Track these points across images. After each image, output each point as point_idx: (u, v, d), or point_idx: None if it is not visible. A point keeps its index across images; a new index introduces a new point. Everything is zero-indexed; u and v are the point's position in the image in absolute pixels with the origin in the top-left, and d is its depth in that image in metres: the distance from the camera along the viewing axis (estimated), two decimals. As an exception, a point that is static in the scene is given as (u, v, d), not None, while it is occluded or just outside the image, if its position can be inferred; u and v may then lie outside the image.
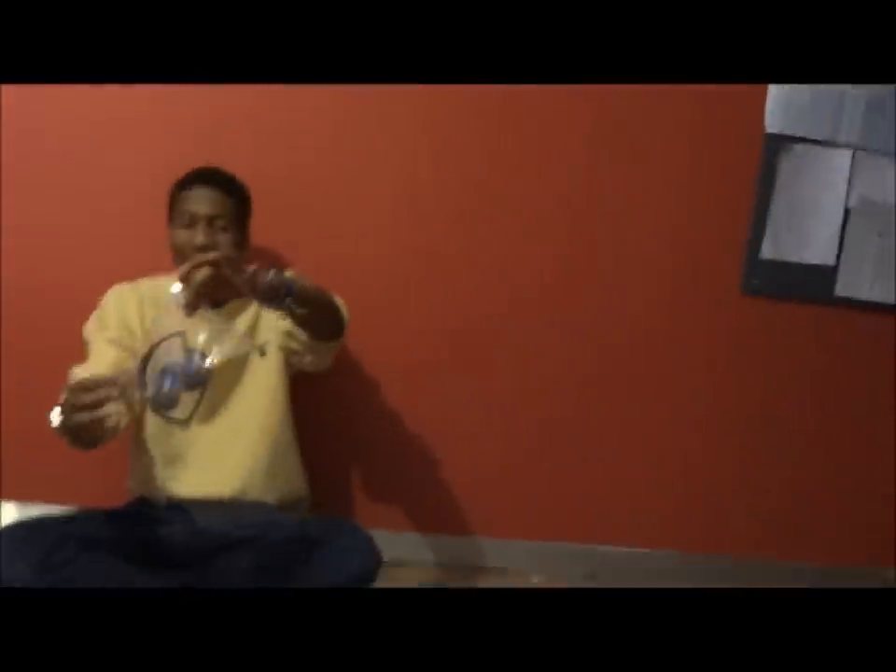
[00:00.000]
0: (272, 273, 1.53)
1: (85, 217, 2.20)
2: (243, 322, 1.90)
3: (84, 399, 1.41)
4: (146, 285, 1.94)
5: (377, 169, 2.26)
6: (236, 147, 2.17)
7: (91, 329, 1.87)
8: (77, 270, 2.19)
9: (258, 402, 1.91)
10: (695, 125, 2.34)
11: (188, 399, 1.85)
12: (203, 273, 1.42)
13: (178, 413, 1.85)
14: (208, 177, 1.88)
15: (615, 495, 2.43)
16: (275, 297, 1.55)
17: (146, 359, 1.79)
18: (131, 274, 1.95)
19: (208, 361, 1.48)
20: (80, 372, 1.75)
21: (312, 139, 2.23)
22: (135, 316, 1.87)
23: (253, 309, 1.92)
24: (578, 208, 2.34)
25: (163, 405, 1.50)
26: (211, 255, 1.44)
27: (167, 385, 1.47)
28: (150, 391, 1.45)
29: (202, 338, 1.47)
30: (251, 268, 1.51)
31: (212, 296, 1.47)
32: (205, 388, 1.86)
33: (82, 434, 1.46)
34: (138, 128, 2.17)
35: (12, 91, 2.09)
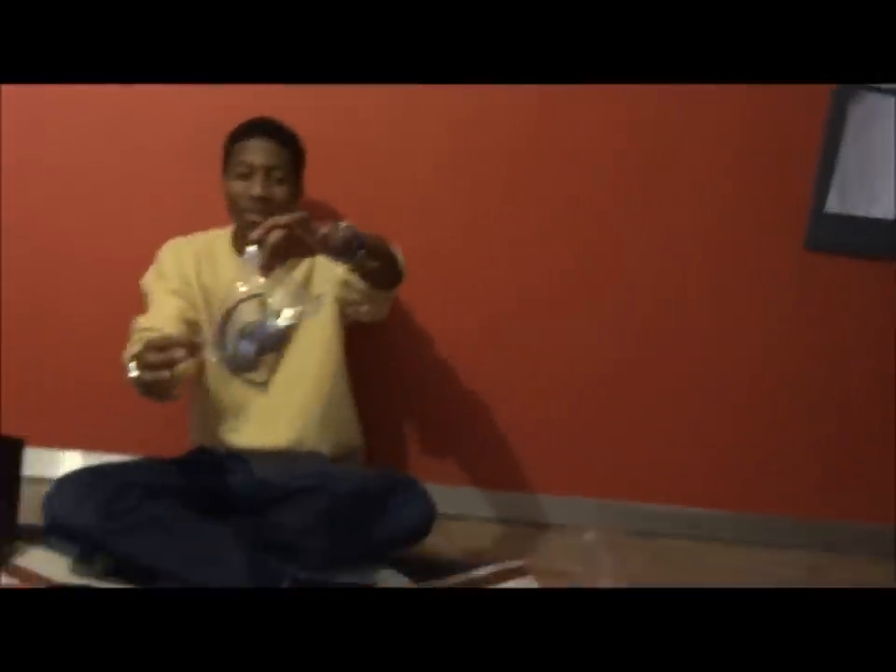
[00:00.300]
0: (343, 228, 1.51)
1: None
2: (298, 274, 1.90)
3: (155, 358, 1.44)
4: (200, 238, 1.96)
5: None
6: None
7: (149, 280, 1.90)
8: (119, 229, 2.22)
9: (312, 354, 1.92)
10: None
11: (267, 361, 1.87)
12: (276, 235, 1.40)
13: (258, 376, 1.88)
14: (265, 128, 1.88)
15: (672, 452, 2.41)
16: (348, 251, 1.53)
17: (224, 321, 1.81)
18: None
19: (285, 323, 1.47)
20: (144, 322, 1.78)
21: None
22: (192, 269, 1.89)
23: (307, 263, 1.93)
24: (638, 158, 2.30)
25: (242, 367, 1.51)
26: (284, 218, 1.42)
27: (245, 347, 1.48)
28: (229, 353, 1.45)
29: (278, 300, 1.46)
30: (323, 226, 1.49)
31: (285, 256, 1.45)
32: (282, 350, 1.88)
33: (152, 389, 1.49)
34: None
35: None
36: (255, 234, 1.41)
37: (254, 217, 1.80)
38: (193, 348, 1.47)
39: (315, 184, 2.07)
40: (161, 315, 1.81)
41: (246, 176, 1.84)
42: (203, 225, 2.00)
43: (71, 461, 2.23)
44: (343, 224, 1.51)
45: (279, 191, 1.85)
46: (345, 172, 2.23)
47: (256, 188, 1.82)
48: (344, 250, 1.52)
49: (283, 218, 1.42)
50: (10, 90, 2.12)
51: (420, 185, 2.27)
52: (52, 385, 2.25)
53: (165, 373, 1.44)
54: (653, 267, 2.35)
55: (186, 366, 1.50)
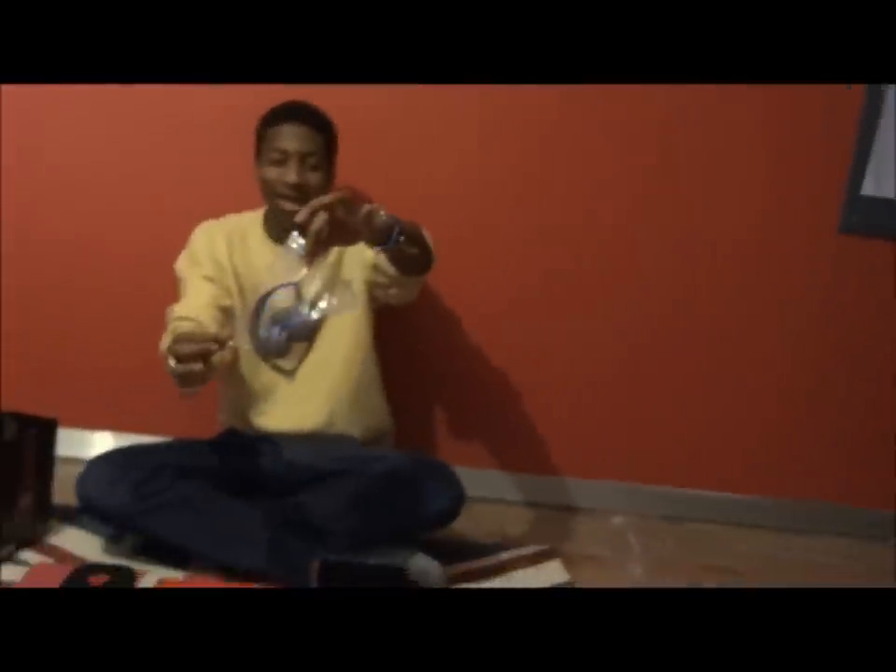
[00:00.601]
0: (384, 213, 1.47)
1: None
2: (330, 259, 1.89)
3: (188, 349, 1.46)
4: (232, 221, 1.96)
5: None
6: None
7: (183, 266, 1.90)
8: (149, 211, 2.23)
9: (342, 338, 1.92)
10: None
11: (297, 349, 1.88)
12: (320, 220, 1.35)
13: (286, 363, 1.89)
14: (299, 113, 1.85)
15: (702, 437, 2.40)
16: (389, 236, 1.49)
17: (258, 307, 1.82)
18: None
19: (318, 315, 1.45)
20: (179, 311, 1.79)
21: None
22: (224, 253, 1.89)
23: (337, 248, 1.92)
24: (671, 145, 2.28)
25: (272, 353, 1.51)
26: (326, 198, 1.37)
27: (277, 334, 1.48)
28: (261, 339, 1.46)
29: (314, 290, 1.43)
30: (365, 207, 1.43)
31: (328, 243, 1.40)
32: (313, 339, 1.89)
33: (187, 380, 1.50)
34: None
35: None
36: (299, 217, 1.37)
37: (288, 205, 1.80)
38: (223, 341, 1.47)
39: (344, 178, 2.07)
40: (196, 302, 1.81)
41: (280, 163, 1.82)
42: (231, 207, 2.00)
43: (102, 442, 2.26)
44: (382, 208, 1.47)
45: (314, 177, 1.83)
46: (370, 166, 2.22)
47: (291, 174, 1.81)
48: (386, 234, 1.48)
49: (325, 199, 1.37)
50: (45, 88, 2.13)
51: (449, 172, 2.27)
52: (84, 366, 2.28)
53: (198, 365, 1.45)
54: (686, 250, 2.33)
55: (221, 356, 1.51)
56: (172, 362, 1.50)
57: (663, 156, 2.30)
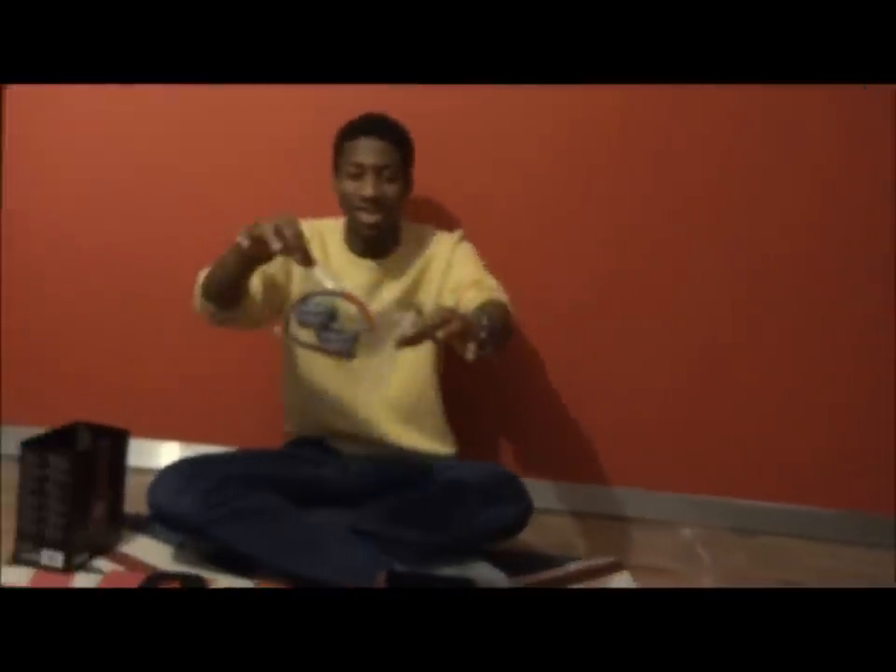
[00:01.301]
0: (483, 332, 1.45)
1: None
2: (407, 279, 1.91)
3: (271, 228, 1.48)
4: (314, 224, 1.94)
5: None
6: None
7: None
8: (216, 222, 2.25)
9: (407, 351, 1.91)
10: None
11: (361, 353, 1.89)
12: (443, 334, 1.36)
13: (348, 363, 1.90)
14: (374, 127, 1.86)
15: (771, 447, 2.34)
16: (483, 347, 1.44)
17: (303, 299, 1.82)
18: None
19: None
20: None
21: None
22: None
23: (417, 267, 1.92)
24: (744, 151, 2.25)
25: (334, 351, 1.55)
26: (458, 325, 1.37)
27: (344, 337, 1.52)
28: (328, 335, 1.52)
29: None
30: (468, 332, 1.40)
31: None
32: (379, 349, 1.88)
33: (245, 256, 1.58)
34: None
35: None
36: (407, 331, 1.38)
37: (365, 216, 1.84)
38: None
39: (423, 181, 2.07)
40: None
41: (357, 177, 1.84)
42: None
43: (169, 452, 2.29)
44: (484, 321, 1.48)
45: (390, 190, 1.85)
46: (451, 168, 2.23)
47: (367, 188, 1.82)
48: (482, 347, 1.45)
49: (457, 325, 1.37)
50: (101, 89, 2.17)
51: (524, 180, 2.26)
52: (152, 377, 2.31)
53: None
54: (751, 258, 2.28)
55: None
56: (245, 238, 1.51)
57: (728, 158, 2.26)
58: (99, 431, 1.84)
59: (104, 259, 2.28)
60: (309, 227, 1.92)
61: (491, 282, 1.86)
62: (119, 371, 2.31)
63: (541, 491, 2.06)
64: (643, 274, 2.29)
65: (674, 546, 2.17)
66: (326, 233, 1.95)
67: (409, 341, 1.39)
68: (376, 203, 1.83)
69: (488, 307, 1.68)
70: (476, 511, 1.77)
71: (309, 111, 2.22)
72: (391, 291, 1.91)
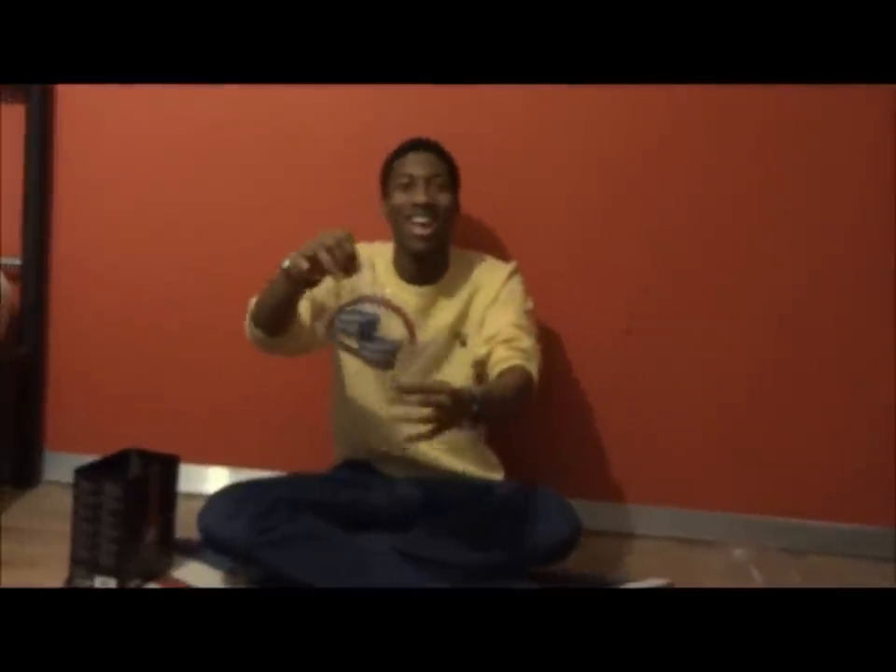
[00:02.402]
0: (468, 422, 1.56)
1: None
2: (454, 307, 1.91)
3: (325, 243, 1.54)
4: (364, 248, 1.85)
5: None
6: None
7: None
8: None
9: (448, 374, 1.91)
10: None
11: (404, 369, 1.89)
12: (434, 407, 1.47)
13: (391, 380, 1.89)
14: (422, 144, 1.92)
15: (824, 466, 2.29)
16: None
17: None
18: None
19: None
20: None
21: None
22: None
23: (465, 294, 1.91)
24: (780, 158, 2.23)
25: (375, 361, 1.57)
26: (448, 400, 1.47)
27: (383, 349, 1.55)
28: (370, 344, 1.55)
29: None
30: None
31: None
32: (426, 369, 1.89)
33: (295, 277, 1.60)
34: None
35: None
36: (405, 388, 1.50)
37: (418, 228, 1.85)
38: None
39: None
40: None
41: (408, 187, 1.87)
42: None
43: (217, 477, 2.30)
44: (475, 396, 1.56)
45: (442, 198, 1.88)
46: (487, 173, 2.22)
47: (419, 195, 1.85)
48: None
49: (448, 400, 1.46)
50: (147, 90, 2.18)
51: (562, 186, 2.25)
52: (201, 403, 2.33)
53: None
54: (795, 271, 2.25)
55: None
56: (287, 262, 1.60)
57: (772, 171, 2.23)
58: (149, 458, 1.87)
59: (153, 284, 2.31)
60: (358, 249, 1.94)
61: (526, 342, 1.83)
62: (168, 397, 2.34)
63: (591, 512, 2.03)
64: (681, 292, 2.27)
65: (727, 566, 2.13)
66: (375, 257, 1.93)
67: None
68: (429, 209, 1.85)
69: (508, 379, 1.73)
70: (524, 534, 1.76)
71: (363, 134, 2.24)
72: (438, 318, 1.91)
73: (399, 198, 1.88)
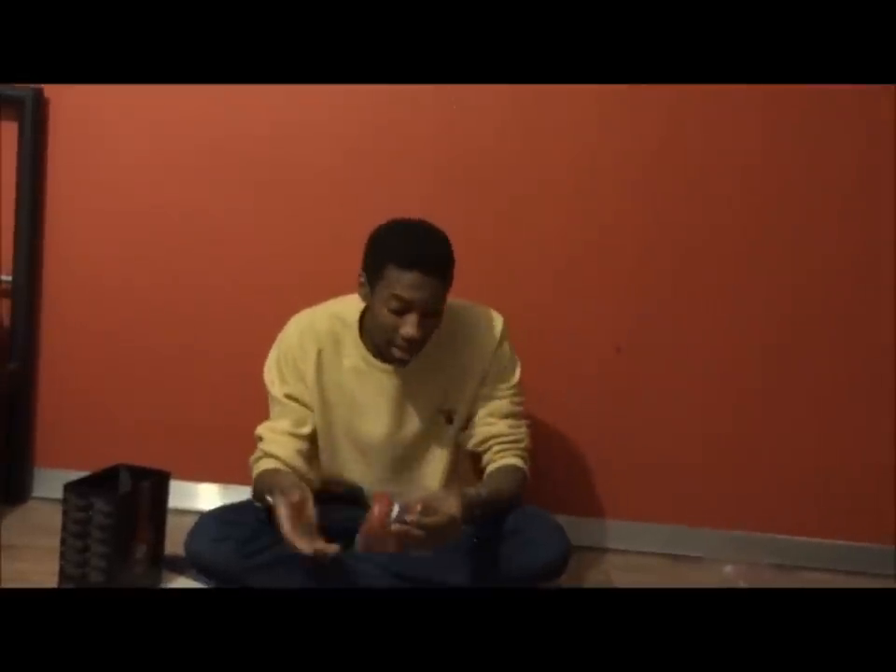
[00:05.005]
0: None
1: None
2: (437, 385, 1.83)
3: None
4: (326, 322, 1.84)
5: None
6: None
7: (270, 378, 1.85)
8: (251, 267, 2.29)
9: (437, 457, 1.88)
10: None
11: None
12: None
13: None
14: (429, 261, 1.68)
15: (812, 482, 2.31)
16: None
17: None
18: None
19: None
20: (263, 433, 1.81)
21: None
22: (311, 368, 1.81)
23: (450, 371, 1.83)
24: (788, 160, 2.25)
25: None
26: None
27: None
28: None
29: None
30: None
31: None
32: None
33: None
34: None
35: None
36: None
37: (400, 354, 1.72)
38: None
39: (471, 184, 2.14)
40: (282, 425, 1.81)
41: (399, 312, 1.67)
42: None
43: (207, 494, 2.30)
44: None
45: (433, 323, 1.72)
46: (477, 184, 2.25)
47: (410, 329, 1.67)
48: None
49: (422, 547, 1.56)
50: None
51: (552, 200, 2.27)
52: (191, 420, 2.33)
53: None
54: (782, 293, 2.28)
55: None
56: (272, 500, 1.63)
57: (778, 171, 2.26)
58: (140, 473, 1.86)
59: (144, 301, 2.31)
60: (322, 324, 1.83)
61: (519, 430, 1.84)
62: (159, 414, 2.33)
63: (579, 529, 2.04)
64: (676, 310, 2.29)
65: (716, 582, 2.13)
66: (341, 331, 1.83)
67: None
68: (416, 343, 1.71)
69: (504, 483, 1.75)
70: (515, 553, 1.76)
71: (361, 135, 2.25)
72: (421, 399, 1.82)
73: (387, 318, 1.68)
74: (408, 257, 1.66)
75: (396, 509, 1.54)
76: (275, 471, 1.75)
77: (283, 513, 1.58)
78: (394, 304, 1.66)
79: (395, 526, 1.53)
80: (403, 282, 1.65)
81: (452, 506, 1.58)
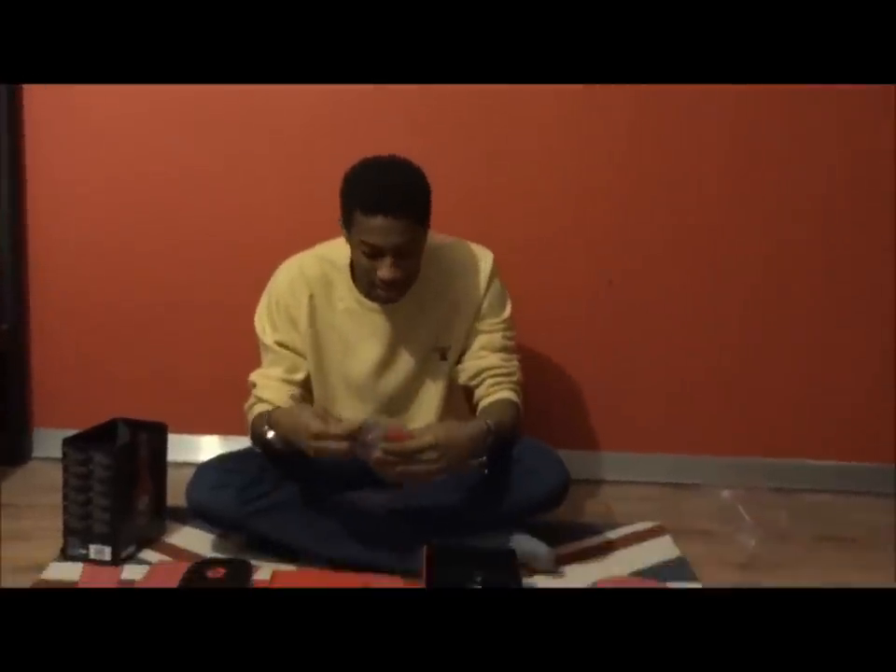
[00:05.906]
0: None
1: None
2: (431, 321, 1.82)
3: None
4: (316, 265, 1.83)
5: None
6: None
7: (261, 326, 1.84)
8: (244, 220, 2.28)
9: (433, 393, 1.88)
10: None
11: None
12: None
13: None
14: (395, 205, 1.63)
15: (811, 405, 2.33)
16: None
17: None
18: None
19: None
20: (256, 380, 1.81)
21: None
22: (304, 313, 1.81)
23: (443, 308, 1.81)
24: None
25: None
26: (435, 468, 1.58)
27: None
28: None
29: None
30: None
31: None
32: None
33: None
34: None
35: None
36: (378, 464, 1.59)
37: (384, 294, 1.72)
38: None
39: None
40: (276, 371, 1.82)
41: (373, 257, 1.66)
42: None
43: (209, 446, 2.31)
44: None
45: (411, 264, 1.70)
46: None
47: (385, 271, 1.66)
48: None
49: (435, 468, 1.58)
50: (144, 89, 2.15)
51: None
52: (189, 374, 2.33)
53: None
54: (779, 213, 2.27)
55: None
56: (271, 433, 1.70)
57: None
58: (137, 426, 1.87)
59: (136, 257, 2.30)
60: (312, 268, 1.82)
61: (511, 364, 1.84)
62: (157, 368, 2.33)
63: (578, 461, 2.05)
64: (669, 237, 2.29)
65: (715, 508, 2.15)
66: (332, 274, 1.82)
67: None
68: (396, 283, 1.70)
69: (500, 414, 1.75)
70: (515, 484, 1.77)
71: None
72: (414, 336, 1.82)
73: (362, 260, 1.68)
74: (372, 201, 1.62)
75: (370, 434, 1.56)
76: (274, 409, 1.75)
77: (309, 415, 1.60)
78: (366, 249, 1.66)
79: (377, 453, 1.55)
80: (370, 227, 1.63)
81: (430, 434, 1.58)
